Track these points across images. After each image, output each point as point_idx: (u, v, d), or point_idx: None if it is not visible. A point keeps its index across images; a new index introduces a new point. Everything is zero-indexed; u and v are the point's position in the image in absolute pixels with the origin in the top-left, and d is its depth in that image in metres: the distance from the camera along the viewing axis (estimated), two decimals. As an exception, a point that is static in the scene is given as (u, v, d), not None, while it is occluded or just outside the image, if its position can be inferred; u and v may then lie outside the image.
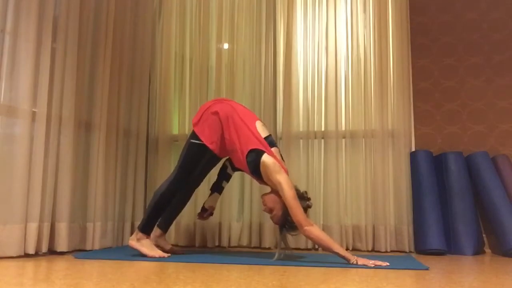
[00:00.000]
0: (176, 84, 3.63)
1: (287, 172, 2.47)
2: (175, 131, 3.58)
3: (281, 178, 2.36)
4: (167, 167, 3.46)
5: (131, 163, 3.34)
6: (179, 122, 3.58)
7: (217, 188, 2.79)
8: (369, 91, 3.35)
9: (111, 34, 3.13)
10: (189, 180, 2.65)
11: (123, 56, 3.28)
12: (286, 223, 2.40)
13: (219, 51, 3.55)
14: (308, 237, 2.34)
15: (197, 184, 2.81)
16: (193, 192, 2.82)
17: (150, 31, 3.61)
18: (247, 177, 3.32)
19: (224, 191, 3.32)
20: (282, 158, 2.57)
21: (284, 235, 2.47)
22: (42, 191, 2.54)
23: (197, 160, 2.60)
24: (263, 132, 2.53)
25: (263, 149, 2.43)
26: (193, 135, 2.59)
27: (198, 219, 2.83)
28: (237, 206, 3.41)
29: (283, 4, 3.55)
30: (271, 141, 2.52)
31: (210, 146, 2.55)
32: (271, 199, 2.43)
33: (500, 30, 3.44)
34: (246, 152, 2.44)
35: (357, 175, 3.28)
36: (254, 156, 2.42)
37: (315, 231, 2.32)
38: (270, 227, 3.28)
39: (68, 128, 2.73)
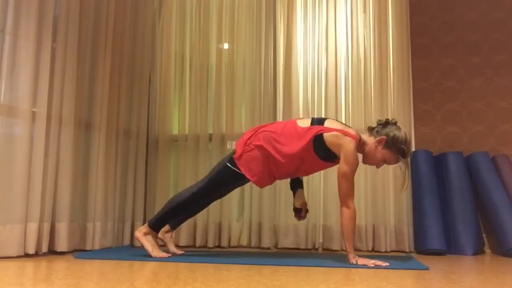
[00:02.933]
0: (176, 84, 3.63)
1: (354, 135, 2.36)
2: (175, 131, 3.58)
3: (342, 152, 2.32)
4: (167, 167, 3.46)
5: (131, 163, 3.33)
6: (179, 122, 3.58)
7: (297, 184, 2.71)
8: (369, 91, 3.35)
9: (111, 34, 3.13)
10: (211, 197, 2.64)
11: (123, 56, 3.28)
12: (402, 152, 2.36)
13: (219, 51, 3.55)
14: (341, 214, 2.34)
15: (220, 197, 2.79)
16: (213, 202, 2.78)
17: (150, 31, 3.61)
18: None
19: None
20: (344, 123, 2.51)
21: (405, 162, 2.39)
22: (42, 191, 2.54)
23: (228, 183, 2.56)
24: (306, 123, 2.46)
25: (317, 131, 2.36)
26: (232, 161, 2.49)
27: (298, 220, 2.72)
28: (237, 206, 3.41)
29: (283, 4, 3.54)
30: (318, 121, 2.46)
31: (254, 180, 2.48)
32: (371, 159, 2.43)
33: (500, 30, 3.44)
34: (312, 149, 2.38)
35: (357, 175, 3.23)
36: (318, 143, 2.36)
37: (346, 214, 2.31)
38: (269, 227, 3.28)
39: (68, 128, 2.73)
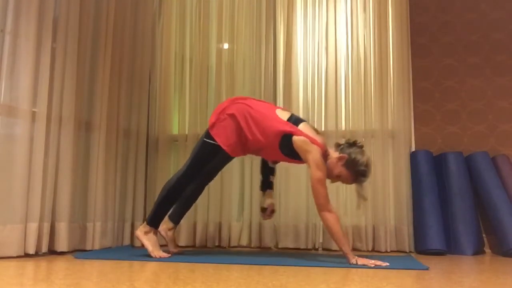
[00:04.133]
0: (176, 84, 3.63)
1: (321, 144, 2.43)
2: (175, 131, 3.58)
3: (310, 158, 2.36)
4: (167, 167, 3.47)
5: (131, 163, 3.33)
6: (179, 122, 3.58)
7: (267, 185, 2.78)
8: (369, 91, 3.35)
9: (111, 34, 3.13)
10: (199, 176, 2.65)
11: (123, 56, 3.28)
12: (358, 174, 2.41)
13: (219, 51, 3.55)
14: (322, 221, 2.36)
15: (208, 180, 2.79)
16: (204, 187, 2.79)
17: (150, 31, 3.61)
18: (247, 177, 3.33)
19: (224, 191, 3.34)
20: (316, 130, 2.55)
21: (360, 185, 2.45)
22: (42, 191, 2.54)
23: (209, 158, 2.59)
24: (284, 116, 2.51)
25: (290, 131, 2.41)
26: (208, 135, 2.56)
27: (263, 219, 2.80)
28: (237, 206, 3.41)
29: (283, 4, 3.54)
30: (295, 120, 2.50)
31: (226, 149, 2.52)
32: (328, 172, 2.43)
33: (500, 30, 3.44)
34: (278, 142, 2.44)
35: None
36: (286, 142, 2.42)
37: (331, 219, 2.32)
38: (270, 227, 3.28)
39: (68, 128, 2.73)
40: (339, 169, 2.43)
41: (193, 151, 2.62)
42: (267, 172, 2.80)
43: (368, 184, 2.57)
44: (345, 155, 2.41)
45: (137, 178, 3.38)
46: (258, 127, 2.48)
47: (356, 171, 2.41)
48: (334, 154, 2.46)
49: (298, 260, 2.49)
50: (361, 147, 2.47)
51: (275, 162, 2.79)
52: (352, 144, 2.47)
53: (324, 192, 2.35)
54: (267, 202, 2.75)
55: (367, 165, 2.42)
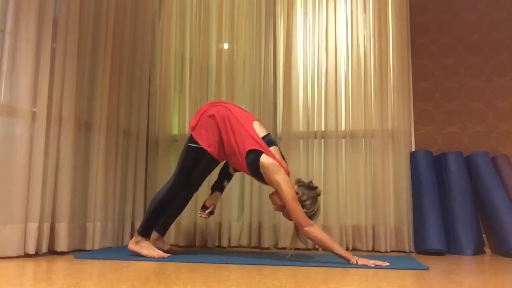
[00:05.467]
0: (176, 84, 3.63)
1: (287, 170, 2.47)
2: (175, 131, 3.58)
3: (279, 178, 2.36)
4: (167, 167, 3.47)
5: (131, 163, 3.33)
6: (179, 122, 3.58)
7: (218, 187, 2.79)
8: (369, 91, 3.35)
9: (111, 34, 3.13)
10: (188, 184, 2.65)
11: (123, 56, 3.28)
12: None
13: (219, 51, 3.55)
14: (308, 237, 2.35)
15: (196, 189, 2.81)
16: (191, 197, 2.81)
17: (150, 31, 3.61)
18: (247, 177, 3.32)
19: (224, 191, 3.32)
20: (283, 156, 2.57)
21: (297, 229, 2.44)
22: (42, 191, 2.54)
23: (195, 163, 2.59)
24: (261, 132, 2.53)
25: (261, 149, 2.43)
26: (191, 139, 2.58)
27: (199, 217, 2.81)
28: (237, 206, 3.41)
29: (283, 4, 3.54)
30: (269, 141, 2.52)
31: (209, 150, 2.54)
32: (280, 197, 2.43)
33: (500, 30, 3.44)
34: (244, 154, 2.45)
35: (357, 175, 3.28)
36: (253, 157, 2.42)
37: (316, 231, 2.32)
38: (269, 227, 3.28)
39: (68, 128, 2.73)
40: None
41: (179, 160, 2.62)
42: (224, 175, 2.79)
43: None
44: (299, 193, 2.42)
45: (137, 178, 3.38)
46: (233, 133, 2.49)
47: None
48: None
49: (298, 260, 2.48)
50: (318, 195, 2.48)
51: (238, 171, 2.77)
52: (312, 188, 2.47)
53: (300, 209, 2.35)
54: (211, 202, 2.74)
55: (313, 214, 2.42)
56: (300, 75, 3.46)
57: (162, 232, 2.77)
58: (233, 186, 3.34)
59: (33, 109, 2.54)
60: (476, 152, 3.21)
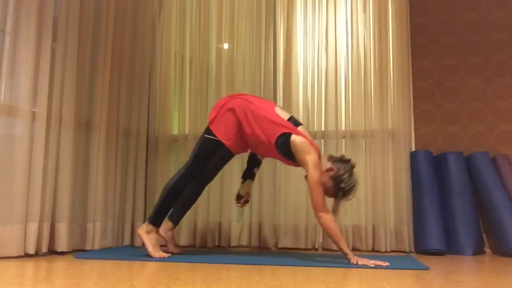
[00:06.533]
0: (176, 84, 3.63)
1: (318, 149, 2.47)
2: (175, 131, 3.58)
3: (308, 159, 2.37)
4: (167, 167, 3.47)
5: (131, 163, 3.33)
6: (179, 122, 3.58)
7: (249, 175, 2.80)
8: (369, 91, 3.35)
9: (111, 34, 3.13)
10: (200, 174, 2.65)
11: (123, 56, 3.28)
12: (340, 190, 2.42)
13: (219, 51, 3.55)
14: (319, 223, 2.36)
15: (209, 179, 2.80)
16: (204, 187, 2.80)
17: (150, 31, 3.61)
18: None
19: (224, 191, 3.33)
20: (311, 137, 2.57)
21: (338, 201, 2.46)
22: (42, 191, 2.54)
23: (210, 155, 2.60)
24: (284, 116, 2.54)
25: (290, 131, 2.43)
26: (208, 131, 2.58)
27: (236, 206, 2.83)
28: (237, 206, 3.41)
29: (283, 4, 3.54)
30: (294, 122, 2.53)
31: (226, 143, 2.54)
32: None
33: (500, 30, 3.44)
34: (274, 139, 2.44)
35: (357, 175, 3.27)
36: (283, 139, 2.42)
37: (328, 220, 2.33)
38: (269, 227, 3.28)
39: (68, 128, 2.73)
40: (325, 179, 2.42)
41: (194, 149, 2.63)
42: (253, 163, 2.82)
43: (346, 203, 2.58)
44: (335, 168, 2.42)
45: (137, 178, 3.38)
46: (257, 123, 2.49)
47: (339, 188, 2.42)
48: (325, 163, 2.46)
49: (298, 260, 2.49)
50: (353, 167, 2.48)
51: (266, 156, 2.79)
52: (346, 161, 2.47)
53: (322, 193, 2.36)
54: (244, 191, 2.78)
55: (352, 187, 2.43)
56: (300, 75, 3.46)
57: (176, 221, 2.77)
58: (233, 186, 3.34)
59: (33, 109, 2.54)
60: (476, 152, 3.21)
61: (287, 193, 3.28)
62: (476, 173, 3.13)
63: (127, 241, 3.26)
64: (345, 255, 2.33)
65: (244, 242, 3.32)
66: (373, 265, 2.23)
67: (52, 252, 2.63)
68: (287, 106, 3.38)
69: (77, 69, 2.83)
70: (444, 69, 3.46)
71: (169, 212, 2.70)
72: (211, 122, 2.58)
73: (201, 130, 3.42)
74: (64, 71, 2.74)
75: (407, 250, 3.11)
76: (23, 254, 2.42)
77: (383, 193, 3.21)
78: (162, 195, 2.59)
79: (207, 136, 2.57)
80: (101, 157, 2.97)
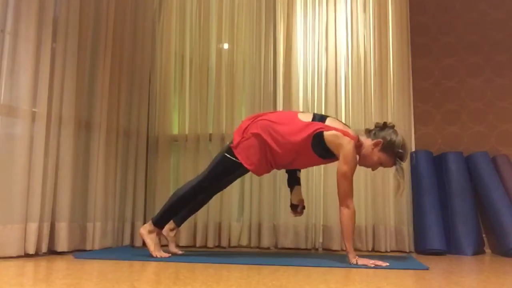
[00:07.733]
0: (176, 84, 3.63)
1: (353, 136, 2.39)
2: (175, 131, 3.58)
3: (342, 153, 2.34)
4: (167, 167, 3.47)
5: (131, 163, 3.33)
6: (179, 122, 3.58)
7: (294, 181, 2.73)
8: (369, 91, 3.35)
9: (111, 34, 3.13)
10: (213, 187, 2.64)
11: (123, 56, 3.28)
12: (396, 155, 2.38)
13: (219, 51, 3.55)
14: (340, 214, 2.34)
15: (220, 190, 2.79)
16: (212, 196, 2.78)
17: (150, 31, 3.61)
18: (247, 177, 3.32)
19: (224, 191, 3.32)
20: (343, 124, 2.53)
21: (400, 168, 2.40)
22: (42, 191, 2.54)
23: (227, 174, 2.56)
24: (308, 118, 2.47)
25: (318, 128, 2.38)
26: (230, 151, 2.50)
27: (293, 216, 2.75)
28: (237, 206, 3.41)
29: (283, 4, 3.54)
30: (320, 118, 2.47)
31: (249, 167, 2.48)
32: (367, 161, 2.44)
33: (500, 30, 3.44)
34: (309, 145, 2.39)
35: (357, 175, 3.25)
36: (317, 141, 2.38)
37: (347, 215, 2.32)
38: (269, 227, 3.28)
39: (68, 128, 2.73)
40: (377, 155, 2.40)
41: (212, 164, 2.57)
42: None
43: (404, 166, 2.49)
44: (380, 140, 2.38)
45: (137, 178, 3.38)
46: (284, 139, 2.43)
47: (395, 153, 2.38)
48: (367, 141, 2.42)
49: (298, 260, 2.49)
50: (393, 127, 2.44)
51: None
52: (383, 126, 2.43)
53: (347, 187, 2.34)
54: (297, 198, 2.69)
55: (403, 144, 2.39)
56: (300, 75, 3.45)
57: (179, 223, 2.77)
58: (233, 186, 3.33)
59: (33, 109, 2.54)
60: (476, 152, 3.21)
61: (287, 193, 3.27)
62: (476, 173, 3.13)
63: (127, 241, 3.26)
64: (347, 253, 2.34)
65: (244, 242, 3.32)
66: (373, 265, 2.24)
67: (52, 252, 2.64)
68: (287, 106, 3.39)
69: (77, 69, 2.83)
70: (444, 69, 3.46)
71: None
72: (235, 146, 2.49)
73: (201, 130, 3.45)
74: (64, 71, 2.74)
75: (407, 250, 3.11)
76: (23, 254, 2.42)
77: (383, 193, 3.21)
78: (172, 200, 2.57)
79: (228, 156, 2.50)
80: (101, 157, 2.97)
